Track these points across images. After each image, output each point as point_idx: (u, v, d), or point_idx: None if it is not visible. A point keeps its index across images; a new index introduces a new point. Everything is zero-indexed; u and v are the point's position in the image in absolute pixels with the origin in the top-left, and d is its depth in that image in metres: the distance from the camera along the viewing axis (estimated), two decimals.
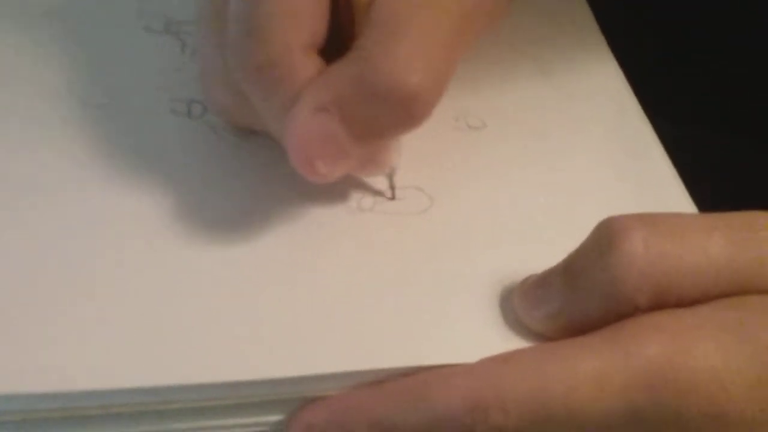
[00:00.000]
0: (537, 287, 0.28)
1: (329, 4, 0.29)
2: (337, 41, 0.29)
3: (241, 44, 0.29)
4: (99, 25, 0.39)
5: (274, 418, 0.27)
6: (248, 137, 0.34)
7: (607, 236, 0.26)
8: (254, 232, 0.31)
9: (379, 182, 0.33)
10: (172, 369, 0.26)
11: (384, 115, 0.28)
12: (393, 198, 0.33)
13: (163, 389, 0.26)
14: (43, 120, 0.34)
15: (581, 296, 0.26)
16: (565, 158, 0.34)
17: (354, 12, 0.29)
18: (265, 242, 0.30)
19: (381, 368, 0.27)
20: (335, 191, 0.32)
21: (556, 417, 0.25)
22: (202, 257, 0.30)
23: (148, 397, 0.26)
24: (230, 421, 0.27)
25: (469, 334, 0.28)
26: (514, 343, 0.27)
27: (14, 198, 0.31)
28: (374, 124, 0.28)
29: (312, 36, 0.29)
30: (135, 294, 0.28)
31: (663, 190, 0.33)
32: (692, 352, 0.25)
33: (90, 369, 0.26)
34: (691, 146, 0.36)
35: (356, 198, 0.32)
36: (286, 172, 0.31)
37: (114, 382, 0.26)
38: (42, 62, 0.37)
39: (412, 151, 0.33)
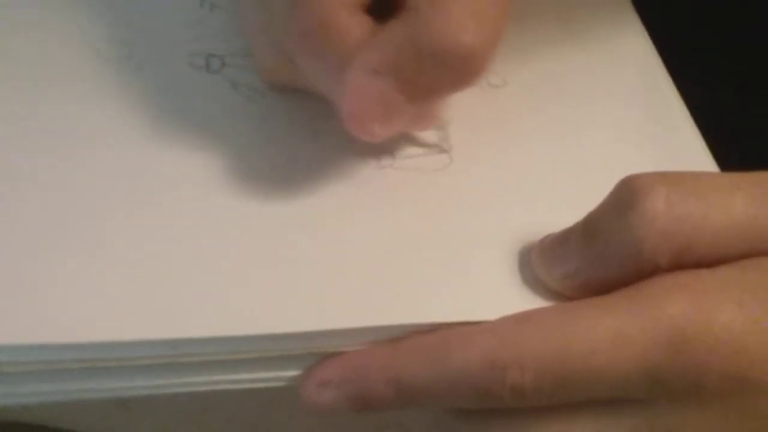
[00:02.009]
0: (556, 246, 0.28)
1: None
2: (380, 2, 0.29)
3: (287, 9, 0.29)
4: None
5: (291, 373, 0.28)
6: (268, 92, 0.34)
7: (628, 194, 0.26)
8: (272, 188, 0.31)
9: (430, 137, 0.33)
10: (189, 322, 0.26)
11: (439, 76, 0.28)
12: (448, 151, 0.32)
13: (179, 342, 0.26)
14: (59, 73, 0.34)
15: (600, 255, 0.26)
16: (587, 118, 0.34)
17: None
18: (283, 199, 0.30)
19: (398, 324, 0.27)
20: (355, 147, 0.32)
21: (574, 376, 0.25)
22: (221, 211, 0.30)
23: (164, 350, 0.26)
24: (247, 376, 0.28)
25: (487, 291, 0.28)
26: (533, 301, 0.27)
27: (35, 151, 0.31)
28: (429, 84, 0.28)
29: None
30: (155, 247, 0.28)
31: (687, 151, 0.33)
32: (714, 312, 0.24)
33: (109, 321, 0.26)
34: (716, 109, 0.36)
35: (376, 154, 0.32)
36: (304, 128, 0.31)
37: (132, 333, 0.26)
38: (58, 14, 0.36)
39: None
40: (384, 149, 0.32)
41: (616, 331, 0.25)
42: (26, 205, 0.29)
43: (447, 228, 0.30)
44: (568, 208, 0.28)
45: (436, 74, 0.28)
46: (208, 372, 0.27)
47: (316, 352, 0.27)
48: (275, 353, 0.27)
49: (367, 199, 0.31)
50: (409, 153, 0.32)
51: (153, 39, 0.36)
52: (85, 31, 0.36)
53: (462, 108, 0.34)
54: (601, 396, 0.26)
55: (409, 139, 0.33)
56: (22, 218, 0.29)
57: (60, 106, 0.33)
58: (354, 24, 0.28)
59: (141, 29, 0.36)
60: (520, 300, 0.27)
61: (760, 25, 0.45)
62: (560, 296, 0.27)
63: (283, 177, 0.31)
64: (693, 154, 0.32)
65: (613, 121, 0.34)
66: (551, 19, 0.38)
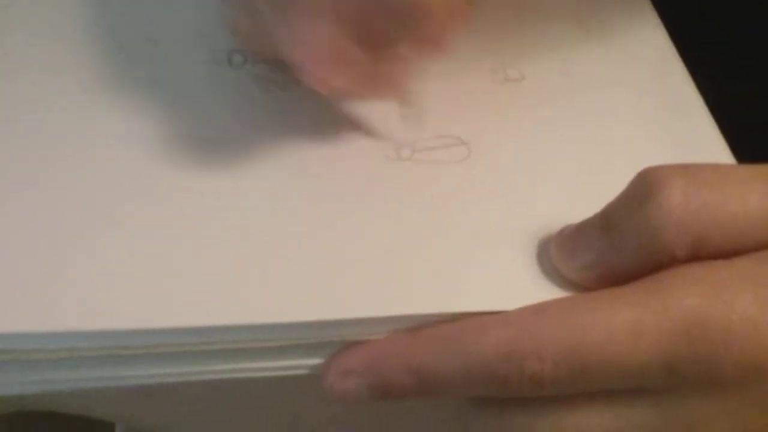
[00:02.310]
0: (574, 237, 0.28)
1: None
2: None
3: None
4: None
5: (313, 361, 0.28)
6: (288, 87, 0.34)
7: (645, 186, 0.26)
8: (291, 180, 0.31)
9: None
10: (212, 310, 0.27)
11: (393, 25, 0.28)
12: (422, 129, 0.33)
13: (203, 330, 0.27)
14: (84, 68, 0.34)
15: (618, 246, 0.26)
16: (604, 111, 0.34)
17: None
18: (307, 190, 0.31)
19: (418, 314, 0.27)
20: (374, 141, 0.32)
21: (591, 366, 0.25)
22: (245, 203, 0.30)
23: (188, 337, 0.27)
24: (269, 364, 0.28)
25: (505, 282, 0.28)
26: (551, 292, 0.28)
27: (55, 146, 0.31)
28: (384, 33, 0.28)
29: None
30: (180, 236, 0.29)
31: (704, 144, 0.33)
32: (730, 304, 0.25)
33: (133, 308, 0.27)
34: (729, 102, 0.36)
35: (395, 147, 0.32)
36: (326, 123, 0.31)
37: (156, 321, 0.27)
38: (83, 11, 0.37)
39: (450, 101, 0.33)
40: (402, 142, 0.32)
41: (633, 322, 0.25)
42: (52, 195, 0.30)
43: (466, 219, 0.30)
44: (587, 199, 0.28)
45: (391, 22, 0.28)
46: (231, 360, 0.28)
47: (338, 341, 0.28)
48: (298, 341, 0.27)
49: (387, 191, 0.31)
50: (428, 145, 0.32)
51: (176, 35, 0.36)
52: (108, 27, 0.36)
53: (480, 101, 0.34)
54: (619, 386, 0.26)
55: (387, 117, 0.33)
56: (48, 208, 0.29)
57: (84, 101, 0.33)
58: None
59: (164, 25, 0.36)
60: (539, 290, 0.28)
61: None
62: (578, 287, 0.27)
63: (306, 171, 0.31)
64: (710, 146, 0.33)
65: (631, 113, 0.34)
66: (568, 12, 0.38)
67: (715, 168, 0.27)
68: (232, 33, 0.34)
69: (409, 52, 0.29)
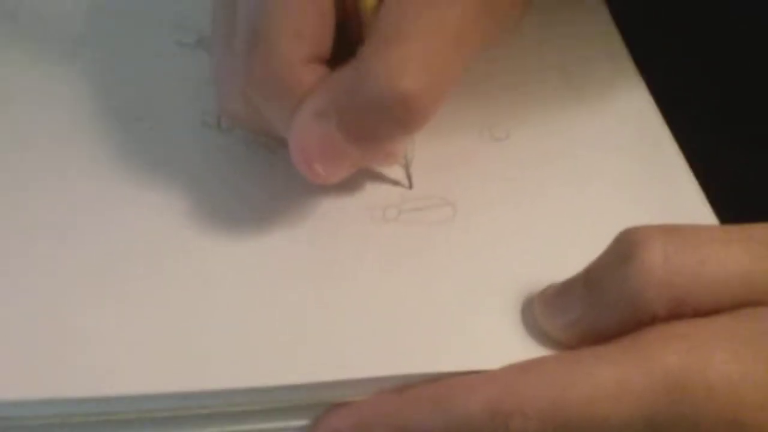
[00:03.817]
0: (557, 296, 0.28)
1: (335, 16, 0.30)
2: (348, 49, 0.30)
3: (247, 57, 0.30)
4: (132, 40, 0.40)
5: (299, 423, 0.28)
6: (277, 148, 0.34)
7: (626, 246, 0.26)
8: (281, 242, 0.31)
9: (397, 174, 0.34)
10: (197, 375, 0.27)
11: (378, 121, 0.28)
12: (411, 187, 0.33)
13: (191, 395, 0.27)
14: (74, 134, 0.35)
15: (601, 305, 0.27)
16: (587, 169, 0.34)
17: (362, 20, 0.30)
18: (292, 251, 0.31)
19: (404, 374, 0.27)
20: (361, 202, 0.33)
21: (575, 424, 0.25)
22: (230, 266, 0.30)
23: (173, 402, 0.27)
24: (255, 426, 0.28)
25: (490, 341, 0.28)
26: (535, 350, 0.28)
27: (47, 211, 0.32)
28: (370, 128, 0.29)
29: (315, 49, 0.30)
30: (166, 303, 0.29)
31: (686, 204, 0.33)
32: (709, 362, 0.25)
33: (119, 374, 0.27)
34: (714, 158, 0.36)
35: (381, 207, 0.33)
36: (314, 184, 0.32)
37: (141, 387, 0.27)
38: (74, 77, 0.38)
39: (435, 161, 0.34)
40: (389, 203, 0.33)
41: (616, 380, 0.25)
42: (37, 261, 0.30)
43: (452, 279, 0.30)
44: (570, 259, 0.28)
45: (376, 119, 0.28)
46: (217, 423, 0.28)
47: (324, 402, 0.28)
48: (283, 404, 0.28)
49: (371, 252, 0.31)
50: (414, 206, 0.33)
51: (167, 98, 0.37)
52: (96, 90, 0.37)
53: (466, 160, 0.35)
54: None
55: (374, 177, 0.34)
56: (38, 273, 0.30)
57: (74, 165, 0.34)
58: (307, 73, 0.29)
59: (155, 89, 0.37)
60: (524, 349, 0.28)
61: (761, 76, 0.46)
62: (562, 346, 0.28)
63: (292, 231, 0.32)
64: (692, 206, 0.33)
65: (615, 174, 0.34)
66: (553, 73, 0.39)
67: (695, 229, 0.27)
68: (230, 120, 0.34)
69: (392, 137, 0.29)
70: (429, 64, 0.28)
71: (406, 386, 0.27)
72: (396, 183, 0.34)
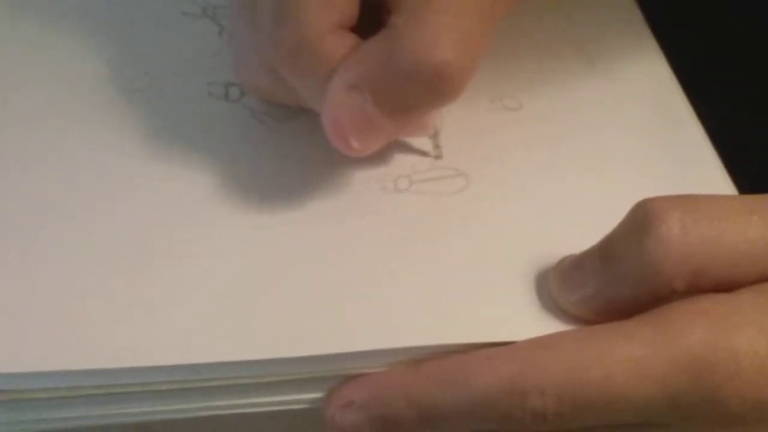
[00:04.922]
0: (573, 270, 0.28)
1: None
2: (375, 17, 0.29)
3: (273, 29, 0.29)
4: (136, 10, 0.39)
5: (313, 395, 0.28)
6: (285, 120, 0.34)
7: (643, 218, 0.26)
8: (292, 214, 0.31)
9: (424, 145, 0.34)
10: (211, 347, 0.27)
11: (414, 92, 0.28)
12: (440, 157, 0.33)
13: (201, 367, 0.27)
14: (81, 107, 0.35)
15: (617, 279, 0.26)
16: (603, 140, 0.34)
17: None
18: (304, 223, 0.31)
19: (420, 345, 0.27)
20: (372, 173, 0.33)
21: (594, 402, 0.25)
22: (241, 236, 0.30)
23: (186, 374, 0.27)
24: (269, 399, 0.28)
25: (506, 313, 0.28)
26: (552, 322, 0.28)
27: (62, 189, 0.32)
28: (405, 100, 0.28)
29: (343, 16, 0.29)
30: (176, 273, 0.29)
31: (703, 173, 0.33)
32: (734, 337, 0.25)
33: (131, 347, 0.27)
34: (734, 130, 0.36)
35: (392, 178, 0.32)
36: (323, 154, 0.31)
37: (154, 359, 0.27)
38: (79, 48, 0.37)
39: (448, 132, 0.33)
40: (400, 173, 0.33)
41: (636, 358, 0.25)
42: (47, 233, 0.30)
43: (465, 250, 0.30)
44: (585, 229, 0.28)
45: (411, 90, 0.28)
46: (230, 396, 0.28)
47: (338, 375, 0.27)
48: (297, 376, 0.27)
49: (384, 224, 0.31)
50: (426, 176, 0.32)
51: (173, 69, 0.36)
52: (105, 62, 0.36)
53: (478, 131, 0.34)
54: (623, 421, 0.26)
55: (402, 148, 0.33)
56: (41, 251, 0.30)
57: (82, 137, 0.33)
58: (337, 42, 0.29)
59: (161, 60, 0.37)
60: (540, 321, 0.28)
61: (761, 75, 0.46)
62: (578, 319, 0.27)
63: (301, 203, 0.31)
64: (712, 177, 0.32)
65: (631, 145, 0.34)
66: (567, 42, 0.38)
67: (714, 200, 0.27)
68: (252, 93, 0.34)
69: (426, 108, 0.29)
70: (463, 34, 0.27)
71: (422, 360, 0.27)
72: (421, 153, 0.33)
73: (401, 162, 0.33)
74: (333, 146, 0.29)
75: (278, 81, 0.31)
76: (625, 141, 0.34)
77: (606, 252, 0.27)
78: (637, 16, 0.40)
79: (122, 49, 0.37)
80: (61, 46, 0.37)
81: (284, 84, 0.30)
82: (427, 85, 0.27)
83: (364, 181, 0.32)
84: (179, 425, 0.28)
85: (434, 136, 0.33)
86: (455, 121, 0.34)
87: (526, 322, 0.28)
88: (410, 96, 0.28)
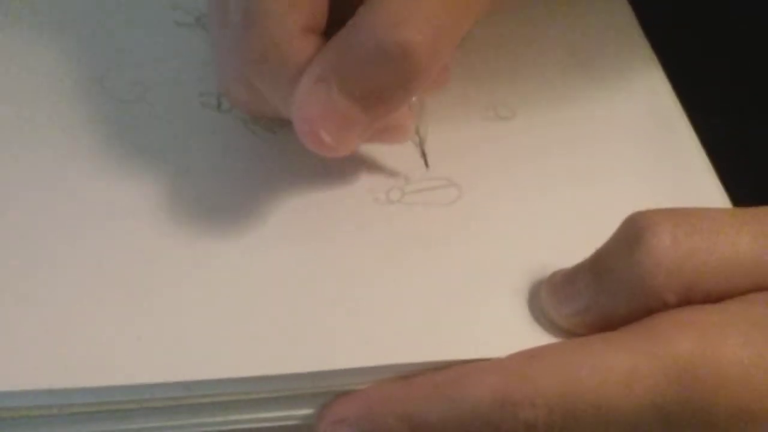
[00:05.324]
0: (564, 284, 0.28)
1: None
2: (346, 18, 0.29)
3: (241, 36, 0.29)
4: (128, 19, 0.39)
5: (305, 411, 0.28)
6: (277, 130, 0.34)
7: (634, 232, 0.26)
8: (282, 225, 0.31)
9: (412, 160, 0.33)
10: (202, 364, 0.27)
11: (378, 74, 0.27)
12: (427, 166, 0.32)
13: (193, 384, 0.27)
14: (72, 117, 0.34)
15: (609, 293, 0.26)
16: (595, 149, 0.34)
17: None
18: (294, 235, 0.31)
19: (410, 362, 0.27)
20: (364, 184, 0.32)
21: (585, 412, 0.25)
22: (229, 251, 0.30)
23: (178, 391, 0.27)
24: (261, 415, 0.28)
25: (497, 328, 0.28)
26: (542, 337, 0.27)
27: (44, 198, 0.32)
28: (370, 84, 0.27)
29: (312, 18, 0.29)
30: (166, 290, 0.29)
31: (696, 183, 0.32)
32: (721, 348, 0.25)
33: (123, 364, 0.27)
34: (728, 139, 0.36)
35: (384, 190, 0.32)
36: (315, 165, 0.31)
37: (146, 377, 0.26)
38: (71, 58, 0.37)
39: (439, 140, 0.33)
40: (392, 184, 0.32)
41: (626, 367, 0.25)
42: (39, 249, 0.30)
43: (457, 263, 0.30)
44: (578, 243, 0.28)
45: (375, 72, 0.27)
46: (222, 412, 0.28)
47: (329, 391, 0.27)
48: (288, 392, 0.27)
49: (375, 236, 0.31)
50: (418, 187, 0.32)
51: (165, 79, 0.36)
52: (96, 71, 0.36)
53: (471, 141, 0.34)
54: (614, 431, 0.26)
55: (386, 173, 0.33)
56: (40, 264, 0.29)
57: (73, 148, 0.33)
58: (304, 45, 0.28)
59: (153, 70, 0.36)
60: (531, 336, 0.27)
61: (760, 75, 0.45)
62: (571, 334, 0.27)
63: (293, 215, 0.31)
64: (705, 188, 0.32)
65: (624, 154, 0.34)
66: (560, 49, 0.38)
67: (705, 212, 0.27)
68: (232, 104, 0.33)
69: (397, 94, 0.28)
70: (430, 15, 0.27)
71: (412, 374, 0.27)
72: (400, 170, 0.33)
73: (394, 173, 0.33)
74: (306, 145, 0.28)
75: (254, 91, 0.30)
76: (618, 150, 0.34)
77: (597, 266, 0.27)
78: (631, 22, 0.39)
79: (114, 58, 0.37)
80: (51, 56, 0.37)
81: (260, 94, 0.30)
82: (390, 66, 0.27)
83: (356, 191, 0.32)
84: None
85: (420, 143, 0.32)
86: (447, 131, 0.34)
87: (519, 336, 0.27)
88: (375, 78, 0.27)
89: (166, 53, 0.37)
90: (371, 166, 0.33)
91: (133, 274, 0.29)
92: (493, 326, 0.28)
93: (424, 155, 0.33)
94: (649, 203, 0.27)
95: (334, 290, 0.29)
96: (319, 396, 0.28)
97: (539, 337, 0.27)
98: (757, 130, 0.44)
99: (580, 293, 0.27)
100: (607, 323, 0.26)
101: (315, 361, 0.27)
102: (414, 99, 0.30)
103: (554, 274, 0.28)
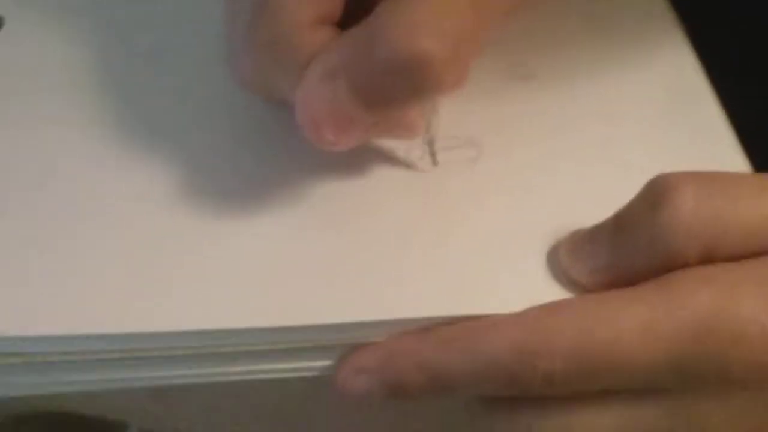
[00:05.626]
0: (585, 242, 0.28)
1: None
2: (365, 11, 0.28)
3: (252, 20, 0.29)
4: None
5: (324, 363, 0.28)
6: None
7: (657, 192, 0.26)
8: (305, 185, 0.31)
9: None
10: (226, 314, 0.27)
11: (391, 82, 0.26)
12: (435, 164, 0.32)
13: (215, 333, 0.27)
14: (84, 82, 0.35)
15: (630, 252, 0.27)
16: (616, 111, 0.34)
17: None
18: (316, 194, 0.31)
19: (430, 316, 0.27)
20: (384, 144, 0.32)
21: (601, 364, 0.25)
22: (253, 207, 0.30)
23: (201, 340, 0.27)
24: (281, 366, 0.28)
25: (517, 285, 0.28)
26: (562, 294, 0.28)
27: (57, 160, 0.32)
28: (382, 90, 0.27)
29: (324, 9, 0.28)
30: (191, 242, 0.29)
31: (717, 146, 0.32)
32: (740, 304, 0.25)
33: (147, 312, 0.27)
34: (749, 102, 0.36)
35: (404, 149, 0.32)
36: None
37: (170, 324, 0.27)
38: (85, 24, 0.37)
39: (460, 101, 0.33)
40: (413, 143, 0.32)
41: (643, 321, 0.25)
42: (56, 200, 0.30)
43: (477, 221, 0.30)
44: (597, 203, 0.28)
45: (389, 80, 0.26)
46: (244, 362, 0.28)
47: (349, 343, 0.28)
48: (309, 344, 0.28)
49: (395, 193, 0.31)
50: (439, 146, 0.32)
51: (180, 40, 0.36)
52: (111, 29, 0.36)
53: (491, 101, 0.34)
54: (629, 385, 0.26)
55: (385, 155, 0.33)
56: (58, 211, 0.30)
57: (82, 115, 0.33)
58: (315, 35, 0.28)
59: (168, 32, 0.37)
60: (550, 293, 0.28)
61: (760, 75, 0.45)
62: (588, 291, 0.27)
63: (313, 172, 0.32)
64: (725, 150, 0.32)
65: (644, 114, 0.34)
66: (581, 12, 0.38)
67: (727, 176, 0.27)
68: (239, 83, 0.33)
69: (407, 100, 0.28)
70: (449, 24, 0.26)
71: (432, 326, 0.27)
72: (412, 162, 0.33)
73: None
74: (308, 140, 0.28)
75: (261, 74, 0.30)
76: (641, 117, 0.34)
77: (619, 224, 0.27)
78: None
79: (127, 26, 0.37)
80: (62, 26, 0.37)
81: (267, 77, 0.30)
82: (405, 76, 0.26)
83: (375, 151, 0.32)
84: (189, 391, 0.29)
85: (429, 141, 0.32)
86: (466, 91, 0.34)
87: (537, 292, 0.28)
88: (387, 86, 0.27)
89: (182, 14, 0.37)
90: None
91: (163, 227, 0.30)
92: (513, 283, 0.28)
93: (432, 154, 0.32)
94: (673, 164, 0.27)
95: (353, 245, 0.29)
96: (339, 348, 0.28)
97: (558, 294, 0.28)
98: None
99: (600, 251, 0.27)
100: (627, 282, 0.27)
101: (336, 314, 0.27)
102: None
103: (575, 233, 0.29)
